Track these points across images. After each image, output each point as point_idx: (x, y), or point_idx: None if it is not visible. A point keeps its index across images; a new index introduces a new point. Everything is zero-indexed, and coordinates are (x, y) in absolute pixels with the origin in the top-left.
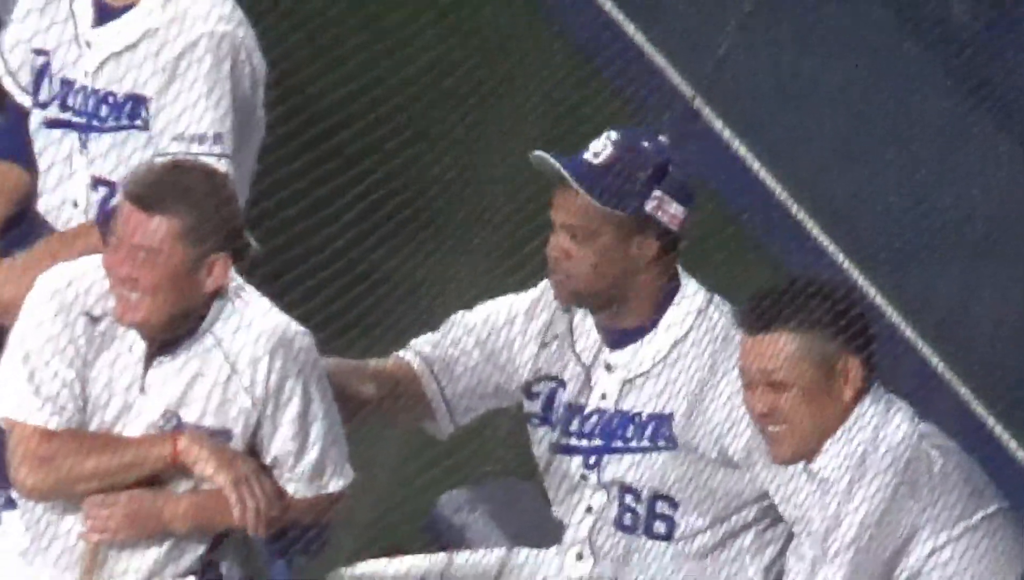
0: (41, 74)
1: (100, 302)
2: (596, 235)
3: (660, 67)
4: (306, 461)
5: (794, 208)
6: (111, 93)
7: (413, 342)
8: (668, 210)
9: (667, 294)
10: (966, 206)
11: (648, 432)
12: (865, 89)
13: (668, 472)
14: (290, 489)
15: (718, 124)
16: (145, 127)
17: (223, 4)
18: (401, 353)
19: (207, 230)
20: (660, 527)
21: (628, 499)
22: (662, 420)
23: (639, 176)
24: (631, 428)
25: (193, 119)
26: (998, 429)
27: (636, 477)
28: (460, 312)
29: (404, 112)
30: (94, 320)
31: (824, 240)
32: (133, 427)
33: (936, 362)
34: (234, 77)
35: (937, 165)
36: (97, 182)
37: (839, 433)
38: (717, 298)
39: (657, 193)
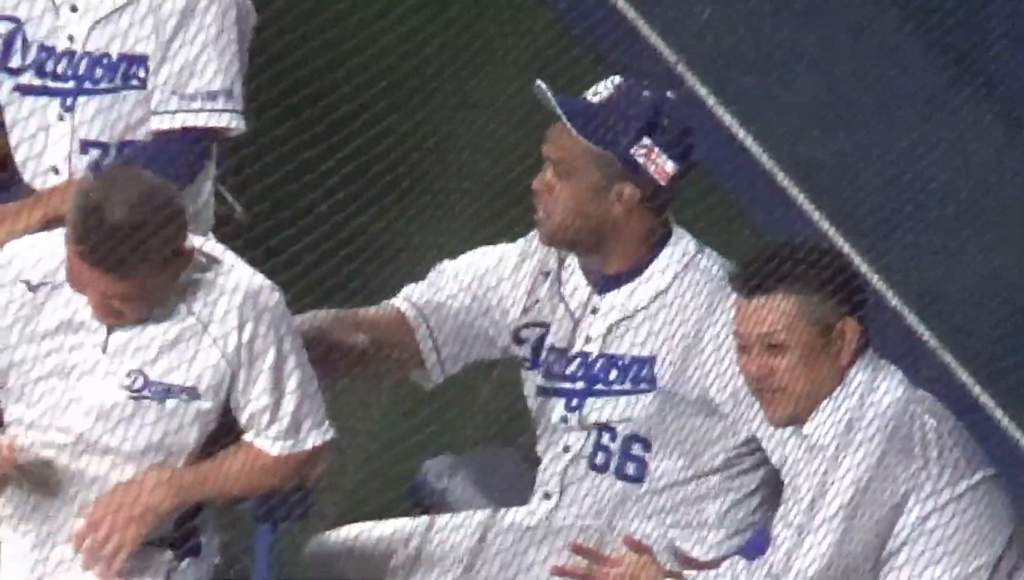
0: (10, 41)
1: (39, 270)
2: (579, 172)
3: (642, 34)
4: (282, 417)
5: (779, 176)
6: (106, 55)
7: (403, 290)
8: (656, 161)
9: (656, 242)
10: (949, 174)
11: (630, 375)
12: (848, 57)
13: (646, 414)
14: (268, 447)
15: (702, 91)
16: (142, 86)
17: None
18: (391, 301)
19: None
20: (631, 468)
21: (604, 438)
22: (644, 363)
23: (631, 121)
24: (614, 371)
25: (201, 75)
26: (983, 397)
27: (615, 418)
28: (446, 261)
29: (386, 78)
30: (33, 288)
31: (808, 208)
32: (98, 387)
33: (921, 330)
34: (239, 27)
35: (920, 133)
36: (87, 144)
37: (833, 397)
38: (709, 250)
39: (647, 141)
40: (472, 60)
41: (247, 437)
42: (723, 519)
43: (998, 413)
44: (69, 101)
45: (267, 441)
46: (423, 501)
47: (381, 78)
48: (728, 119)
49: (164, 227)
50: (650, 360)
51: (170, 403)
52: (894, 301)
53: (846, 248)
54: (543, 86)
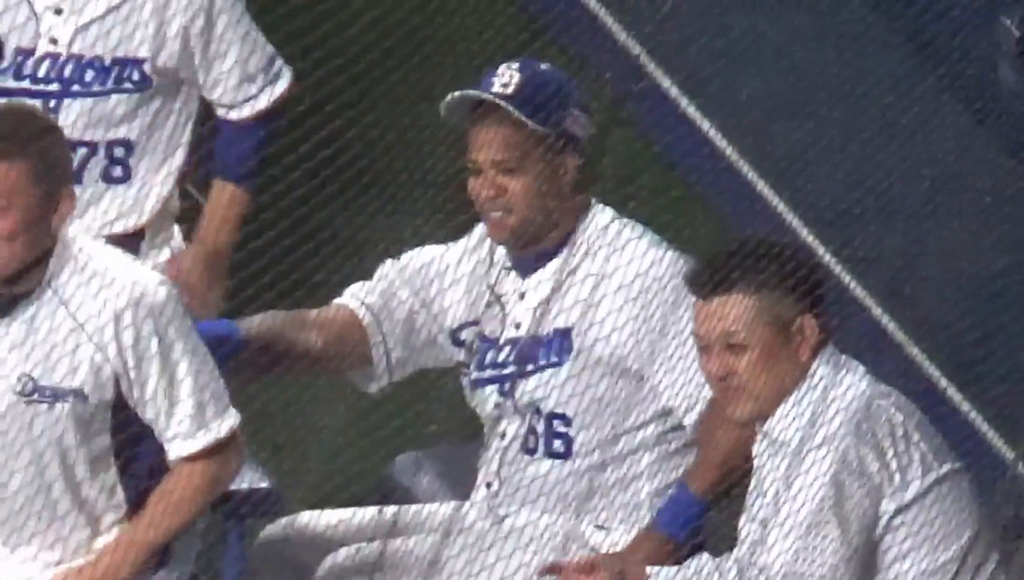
0: None
1: None
2: (528, 163)
3: (606, 25)
4: (181, 415)
5: (742, 167)
6: (97, 57)
7: (351, 290)
8: (583, 125)
9: (578, 216)
10: (912, 164)
11: (553, 348)
12: (812, 47)
13: (564, 387)
14: (174, 450)
15: (665, 82)
16: (137, 88)
17: None
18: (342, 301)
19: (52, 167)
20: (559, 446)
21: (533, 420)
22: (565, 334)
23: (554, 95)
24: (540, 349)
25: (252, 54)
26: (949, 390)
27: (541, 396)
28: (389, 261)
29: (346, 72)
30: None
31: (772, 198)
32: None
33: (885, 321)
34: None
35: (883, 123)
36: (75, 145)
37: (796, 393)
38: (625, 220)
39: (571, 109)
40: (434, 53)
41: (170, 453)
42: (654, 503)
43: (964, 406)
44: (53, 103)
45: (172, 445)
46: (390, 497)
47: (341, 72)
48: (691, 110)
49: (50, 130)
50: (568, 330)
51: (59, 406)
52: (858, 293)
53: (809, 239)
54: (464, 92)
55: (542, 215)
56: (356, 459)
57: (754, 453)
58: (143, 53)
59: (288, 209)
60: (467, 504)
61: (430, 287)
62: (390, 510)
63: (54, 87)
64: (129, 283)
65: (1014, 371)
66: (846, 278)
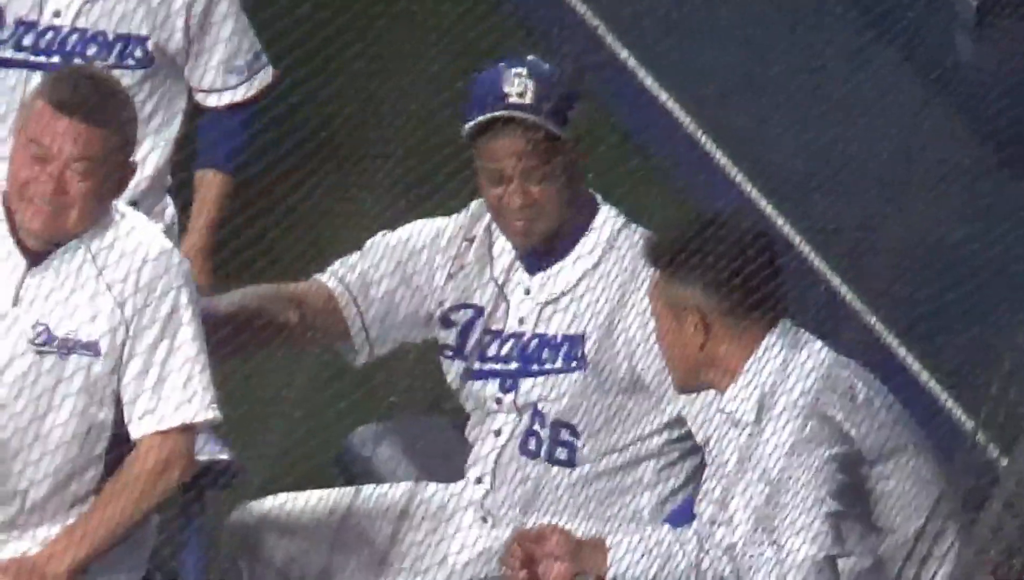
0: None
1: None
2: (554, 168)
3: None
4: (171, 385)
5: (701, 139)
6: (101, 32)
7: (334, 265)
8: (585, 119)
9: (584, 214)
10: (870, 137)
11: (562, 353)
12: (769, 18)
13: (574, 397)
14: (135, 427)
15: (623, 55)
16: (139, 66)
17: None
18: (320, 276)
19: (130, 141)
20: (562, 454)
21: (535, 424)
22: (575, 341)
23: (563, 98)
24: (546, 351)
25: (239, 47)
26: (908, 360)
27: (547, 397)
28: (382, 233)
29: (304, 46)
30: None
31: (730, 170)
32: (6, 338)
33: (844, 292)
34: None
35: (841, 95)
36: None
37: (744, 370)
38: (635, 226)
39: (576, 108)
40: (391, 25)
41: (142, 426)
42: (656, 512)
43: (924, 376)
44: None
45: (134, 423)
46: (349, 470)
47: (298, 46)
48: (650, 83)
49: (130, 103)
50: (580, 338)
51: (73, 359)
52: (817, 265)
53: (768, 210)
54: (496, 113)
55: (560, 217)
56: (316, 431)
57: (703, 434)
58: (145, 31)
59: (246, 184)
60: (431, 487)
61: (410, 263)
62: (349, 487)
63: (55, 59)
64: (156, 243)
65: (973, 341)
66: (805, 249)
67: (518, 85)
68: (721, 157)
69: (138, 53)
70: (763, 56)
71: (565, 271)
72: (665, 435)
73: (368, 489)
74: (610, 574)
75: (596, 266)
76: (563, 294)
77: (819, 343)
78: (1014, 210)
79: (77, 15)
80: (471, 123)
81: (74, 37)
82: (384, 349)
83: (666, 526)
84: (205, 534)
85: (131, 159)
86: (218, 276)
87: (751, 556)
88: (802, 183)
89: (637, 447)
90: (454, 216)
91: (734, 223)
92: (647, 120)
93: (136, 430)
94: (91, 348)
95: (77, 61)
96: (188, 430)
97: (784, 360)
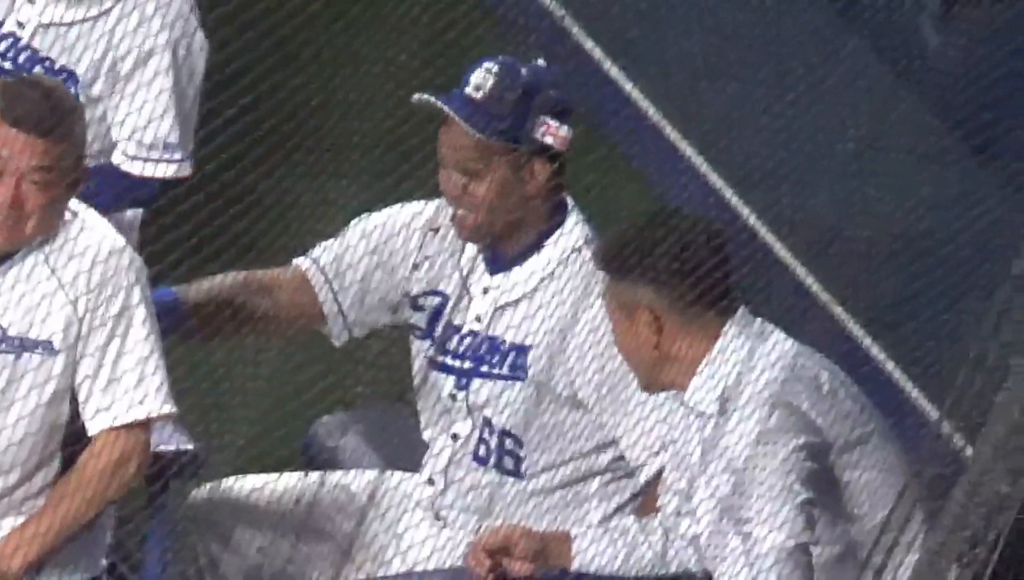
0: None
1: None
2: (489, 169)
3: None
4: (123, 384)
5: (666, 128)
6: (47, 58)
7: (313, 250)
8: (555, 133)
9: (552, 221)
10: (837, 125)
11: (508, 361)
12: (735, 7)
13: (518, 408)
14: (90, 424)
15: (588, 44)
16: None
17: None
18: (297, 260)
19: (80, 147)
20: (509, 463)
21: (485, 431)
22: (521, 351)
23: (521, 104)
24: (496, 355)
25: (159, 125)
26: (874, 349)
27: (493, 403)
28: (363, 215)
29: (274, 35)
30: None
31: (696, 159)
32: None
33: (810, 282)
34: (192, 71)
35: (807, 84)
36: None
37: (705, 363)
38: (597, 242)
39: (543, 118)
40: (360, 15)
41: (96, 422)
42: (607, 523)
43: (889, 365)
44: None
45: (89, 418)
46: (315, 458)
47: (268, 35)
48: (615, 72)
49: (79, 110)
50: (525, 348)
51: (27, 358)
52: (783, 254)
53: (734, 200)
54: (427, 96)
55: (504, 219)
56: (282, 420)
57: (666, 430)
58: (80, 69)
59: (215, 173)
60: (396, 476)
61: (386, 245)
62: (314, 475)
63: (8, 65)
64: (110, 240)
65: (938, 330)
66: (770, 239)
67: (477, 79)
68: (687, 147)
69: (72, 90)
70: (729, 45)
71: (521, 278)
72: (612, 451)
73: (334, 477)
74: (575, 565)
75: (550, 278)
76: (517, 301)
77: (782, 334)
78: (981, 199)
79: (33, 34)
80: (416, 97)
81: (25, 54)
82: (363, 330)
83: (630, 517)
84: (170, 525)
85: (83, 163)
86: (191, 265)
87: (717, 547)
88: (768, 172)
89: (582, 461)
90: (430, 202)
91: (676, 217)
92: (612, 108)
93: (91, 427)
94: (45, 347)
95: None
96: (143, 426)
97: (747, 350)
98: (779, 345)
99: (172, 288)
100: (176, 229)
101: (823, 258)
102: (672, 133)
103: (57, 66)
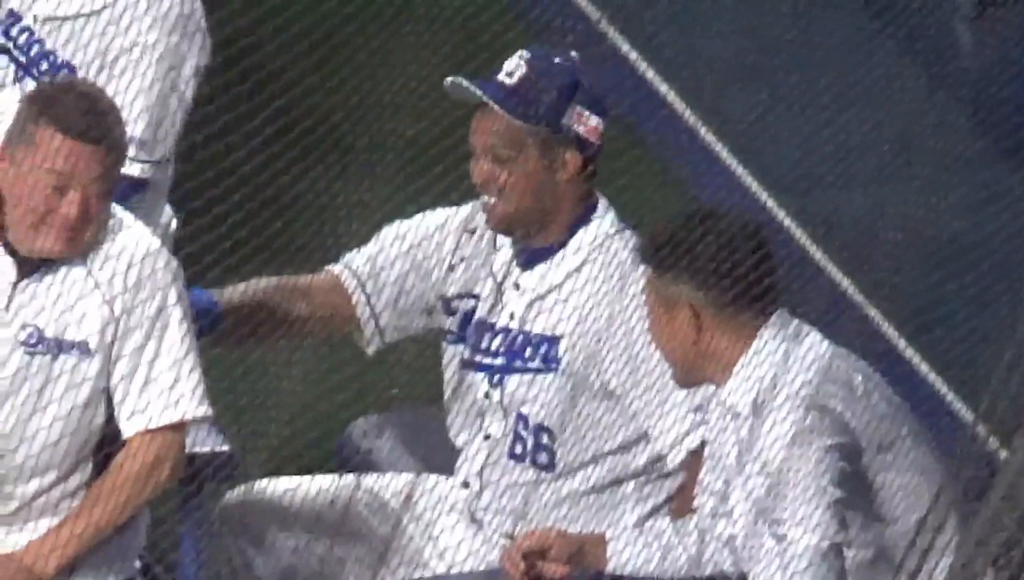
0: None
1: None
2: (520, 156)
3: None
4: (159, 386)
5: (702, 131)
6: (52, 52)
7: (347, 255)
8: (586, 122)
9: (582, 214)
10: (870, 129)
11: (541, 353)
12: (769, 9)
13: (551, 399)
14: (125, 426)
15: (624, 46)
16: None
17: None
18: (331, 266)
19: (123, 156)
20: (544, 458)
21: (520, 426)
22: (553, 342)
23: (554, 91)
24: (529, 349)
25: (134, 123)
26: (908, 351)
27: (529, 397)
28: (397, 221)
29: (308, 37)
30: None
31: (731, 163)
32: None
33: (844, 284)
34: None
35: (841, 88)
36: None
37: (741, 363)
38: (628, 232)
39: (577, 108)
40: (393, 18)
41: (132, 425)
42: (643, 524)
43: (923, 368)
44: (20, 73)
45: (123, 420)
46: (348, 460)
47: (303, 37)
48: (650, 74)
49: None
50: (556, 339)
51: (63, 359)
52: (817, 257)
53: (769, 203)
54: (459, 80)
55: (534, 208)
56: (316, 422)
57: (705, 432)
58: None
59: (250, 175)
60: (432, 479)
61: (420, 249)
62: (348, 477)
63: (21, 59)
64: (143, 242)
65: (972, 332)
66: (804, 241)
67: (510, 65)
68: (721, 148)
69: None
70: (764, 47)
71: (552, 270)
72: (645, 452)
73: (369, 479)
74: (610, 566)
75: (579, 269)
76: (548, 293)
77: (818, 334)
78: (1014, 201)
79: (40, 27)
80: (449, 81)
81: (36, 47)
82: (396, 335)
83: (665, 519)
84: (205, 526)
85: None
86: (226, 267)
87: (752, 548)
88: (802, 175)
89: (615, 460)
90: (465, 205)
91: (723, 216)
92: (647, 111)
93: (126, 429)
94: (81, 348)
95: (33, 71)
96: (177, 428)
97: (783, 352)
98: (815, 347)
99: (211, 291)
100: (211, 231)
101: (857, 260)
102: (707, 135)
103: (60, 60)
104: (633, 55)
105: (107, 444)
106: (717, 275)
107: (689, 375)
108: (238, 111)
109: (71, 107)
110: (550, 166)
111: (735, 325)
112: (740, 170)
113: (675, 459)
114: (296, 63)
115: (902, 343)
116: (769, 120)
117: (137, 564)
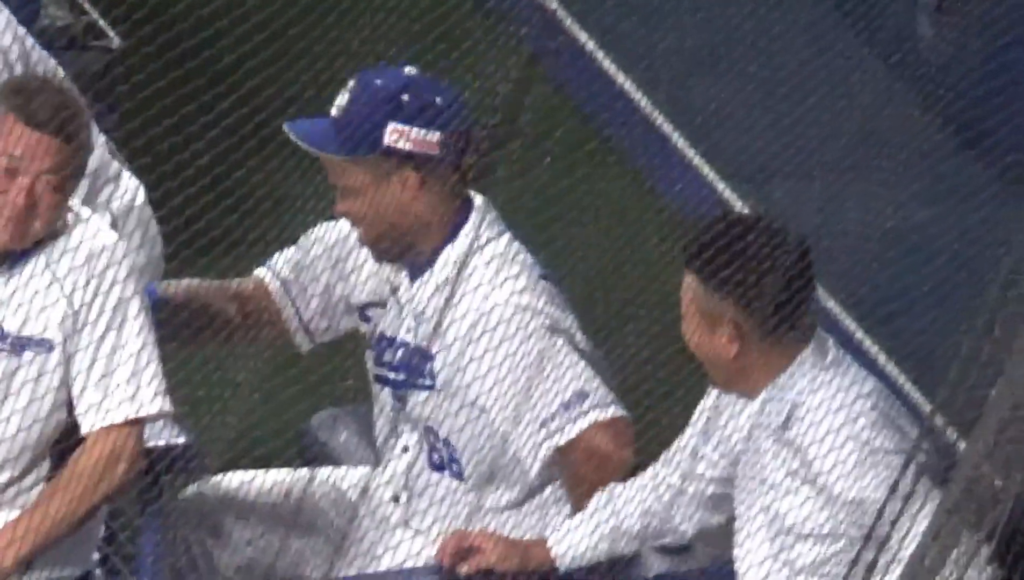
0: None
1: None
2: (358, 187)
3: None
4: (117, 379)
5: (658, 121)
6: None
7: (272, 259)
8: (413, 137)
9: (456, 222)
10: (830, 120)
11: (427, 369)
12: (728, 1)
13: (442, 413)
14: (83, 421)
15: (582, 36)
16: None
17: None
18: (259, 271)
19: (87, 150)
20: (456, 468)
21: (431, 438)
22: (429, 357)
23: (371, 115)
24: (421, 364)
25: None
26: (867, 342)
27: (430, 417)
28: (322, 224)
29: (264, 30)
30: None
31: (690, 153)
32: None
33: None
34: None
35: (801, 79)
36: None
37: (772, 384)
38: (503, 236)
39: (393, 125)
40: (351, 10)
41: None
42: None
43: (882, 358)
44: None
45: (82, 416)
46: (306, 453)
47: (259, 30)
48: (608, 64)
49: (87, 112)
50: (432, 355)
51: (26, 355)
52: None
53: (726, 194)
54: (284, 127)
55: (392, 232)
56: (274, 415)
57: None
58: None
59: (205, 168)
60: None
61: (348, 253)
62: (303, 470)
63: None
64: (101, 237)
65: (931, 324)
66: None
67: (338, 97)
68: (679, 139)
69: None
70: (723, 37)
71: (425, 286)
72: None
73: (324, 472)
74: (562, 562)
75: (444, 284)
76: (425, 309)
77: (862, 371)
78: (974, 193)
79: None
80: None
81: None
82: (327, 335)
83: (596, 494)
84: (163, 518)
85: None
86: (178, 261)
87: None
88: (761, 166)
89: (519, 472)
90: None
91: (776, 231)
92: (605, 102)
93: (84, 424)
94: (43, 343)
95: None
96: (135, 424)
97: (817, 381)
98: (856, 385)
99: (152, 282)
100: (169, 222)
101: (816, 252)
102: (664, 126)
103: None
104: (591, 45)
105: (65, 439)
106: (764, 301)
107: (727, 384)
108: (196, 103)
109: (36, 98)
110: (388, 189)
111: (776, 347)
112: (698, 160)
113: (532, 471)
114: (254, 54)
115: (860, 334)
116: (727, 111)
117: (96, 556)
